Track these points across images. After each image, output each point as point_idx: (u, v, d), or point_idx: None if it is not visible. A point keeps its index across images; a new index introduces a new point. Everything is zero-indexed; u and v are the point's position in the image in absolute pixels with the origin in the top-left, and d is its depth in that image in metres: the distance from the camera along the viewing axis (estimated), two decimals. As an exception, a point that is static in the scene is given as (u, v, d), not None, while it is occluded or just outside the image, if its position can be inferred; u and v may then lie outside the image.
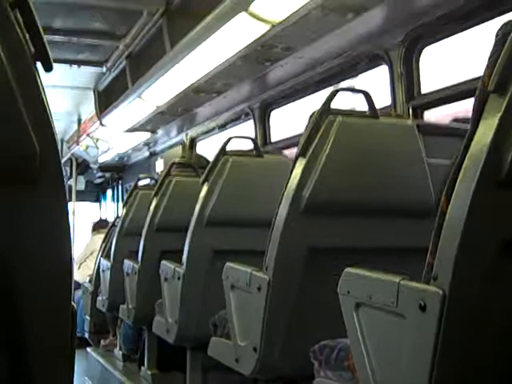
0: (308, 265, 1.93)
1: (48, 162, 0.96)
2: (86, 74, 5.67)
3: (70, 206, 7.74)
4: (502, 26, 1.22)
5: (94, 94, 6.17)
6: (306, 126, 1.95)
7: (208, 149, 5.76)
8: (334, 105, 1.95)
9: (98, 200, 10.30)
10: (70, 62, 5.26)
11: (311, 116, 1.94)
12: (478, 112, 1.22)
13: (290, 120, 4.72)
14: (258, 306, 1.93)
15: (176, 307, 2.71)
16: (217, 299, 2.24)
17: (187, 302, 2.67)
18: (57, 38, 4.59)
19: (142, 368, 3.55)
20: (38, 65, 0.98)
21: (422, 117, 3.29)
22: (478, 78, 2.64)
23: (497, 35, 1.24)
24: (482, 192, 1.18)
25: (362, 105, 2.05)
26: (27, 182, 0.95)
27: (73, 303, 1.05)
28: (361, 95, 2.03)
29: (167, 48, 4.32)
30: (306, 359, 1.67)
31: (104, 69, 5.54)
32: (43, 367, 1.00)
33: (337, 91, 1.94)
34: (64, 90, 5.93)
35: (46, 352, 1.01)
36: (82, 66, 5.42)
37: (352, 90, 2.04)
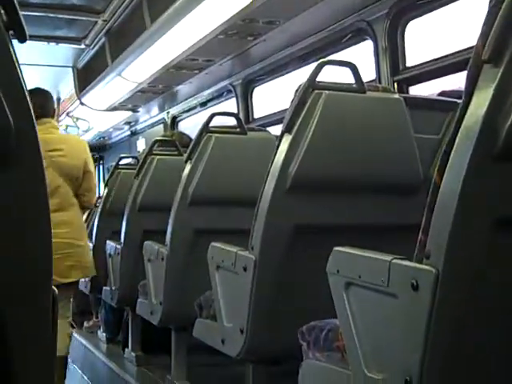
0: (295, 243, 1.89)
1: (24, 139, 0.92)
2: (64, 51, 5.53)
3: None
4: (495, -7, 1.17)
5: (73, 72, 6.04)
6: (292, 101, 1.89)
7: (190, 127, 5.69)
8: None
9: (79, 180, 10.19)
10: (48, 39, 5.13)
11: (297, 90, 1.88)
12: (472, 83, 1.18)
13: (273, 99, 4.66)
14: (244, 286, 1.89)
15: (160, 288, 2.67)
16: (202, 280, 2.20)
17: (171, 283, 2.63)
18: (33, 12, 4.47)
19: (126, 350, 3.52)
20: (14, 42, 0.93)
21: (407, 91, 3.25)
22: (465, 50, 2.59)
23: (490, 2, 1.19)
24: (476, 166, 1.14)
25: (347, 79, 2.00)
26: (2, 159, 0.90)
27: (53, 287, 1.01)
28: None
29: (147, 24, 4.22)
30: (293, 340, 1.63)
31: (83, 45, 5.41)
32: (24, 351, 0.98)
33: (323, 64, 1.88)
34: (42, 68, 5.80)
35: (26, 336, 0.98)
36: (60, 43, 5.29)
37: (338, 62, 1.98)
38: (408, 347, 1.23)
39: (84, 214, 3.80)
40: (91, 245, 3.95)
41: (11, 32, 0.93)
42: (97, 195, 3.87)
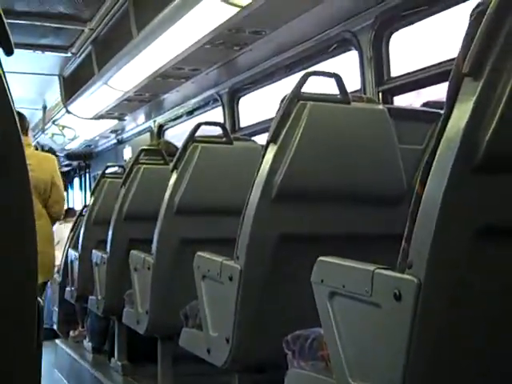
0: (280, 253, 1.90)
1: (9, 147, 0.92)
2: (50, 60, 5.53)
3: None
4: (476, 6, 1.19)
5: (60, 81, 6.04)
6: (277, 111, 1.90)
7: (177, 136, 5.69)
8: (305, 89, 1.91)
9: (65, 189, 10.14)
10: (34, 47, 5.12)
11: (282, 101, 1.90)
12: (453, 95, 1.19)
13: (259, 108, 4.68)
14: (229, 296, 1.90)
15: (146, 297, 2.66)
16: (188, 289, 2.20)
17: (158, 292, 2.63)
18: (19, 21, 4.46)
19: (112, 359, 3.50)
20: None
21: (392, 101, 3.28)
22: (450, 61, 2.62)
23: (471, 16, 1.21)
24: (457, 177, 1.16)
25: (331, 89, 2.02)
26: None
27: (39, 299, 1.01)
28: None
29: (134, 32, 4.23)
30: (278, 349, 1.64)
31: (69, 54, 5.41)
32: (9, 361, 0.97)
33: (308, 75, 1.90)
34: (28, 76, 5.79)
35: (11, 346, 0.97)
36: (46, 52, 5.28)
37: (323, 73, 1.99)
38: (391, 356, 1.25)
39: (53, 224, 4.10)
40: (77, 254, 3.94)
41: None
42: (65, 207, 4.19)
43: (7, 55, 0.95)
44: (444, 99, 1.23)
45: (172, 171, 2.62)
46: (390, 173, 2.01)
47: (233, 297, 1.88)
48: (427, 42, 3.25)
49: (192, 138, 2.59)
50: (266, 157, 1.91)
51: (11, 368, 0.97)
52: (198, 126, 2.63)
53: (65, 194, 4.31)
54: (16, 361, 0.98)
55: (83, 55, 5.40)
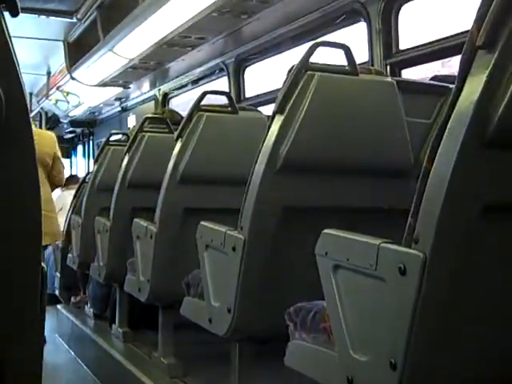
0: (284, 224, 1.89)
1: (14, 112, 0.91)
2: (55, 25, 5.47)
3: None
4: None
5: (64, 46, 5.98)
6: (284, 82, 1.88)
7: (182, 105, 5.66)
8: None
9: (68, 156, 10.12)
10: (39, 12, 5.06)
11: (289, 71, 1.87)
12: (465, 69, 1.17)
13: (264, 80, 4.64)
14: (232, 266, 1.89)
15: (148, 266, 2.66)
16: (190, 258, 2.20)
17: (160, 261, 2.63)
18: (24, -15, 4.40)
19: (113, 326, 3.53)
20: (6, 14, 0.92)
21: (399, 75, 3.24)
22: (460, 35, 2.58)
23: (486, -13, 1.18)
24: (467, 151, 1.14)
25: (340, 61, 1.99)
26: None
27: (43, 264, 1.01)
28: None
29: (140, -2, 4.18)
30: (280, 321, 1.64)
31: (74, 19, 5.34)
32: (13, 327, 0.97)
33: (317, 45, 1.87)
34: (32, 41, 5.73)
35: (15, 311, 0.97)
36: (51, 16, 5.22)
37: (332, 44, 1.96)
38: (394, 330, 1.24)
39: (53, 190, 4.66)
40: (80, 220, 3.94)
41: (3, 5, 0.92)
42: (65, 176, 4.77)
43: (13, 16, 0.94)
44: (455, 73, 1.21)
45: (176, 140, 2.61)
46: (396, 146, 1.99)
47: (236, 267, 1.88)
48: (437, 16, 3.21)
49: (197, 107, 2.57)
50: (271, 127, 1.89)
51: (15, 332, 0.97)
52: (204, 94, 2.61)
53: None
54: (20, 325, 0.98)
55: (88, 21, 5.34)
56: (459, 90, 1.17)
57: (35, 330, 1.00)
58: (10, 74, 0.91)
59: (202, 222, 2.14)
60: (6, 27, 0.91)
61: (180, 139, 2.59)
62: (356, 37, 3.46)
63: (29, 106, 0.99)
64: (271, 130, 1.88)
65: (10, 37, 0.92)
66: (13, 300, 0.97)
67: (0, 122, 0.89)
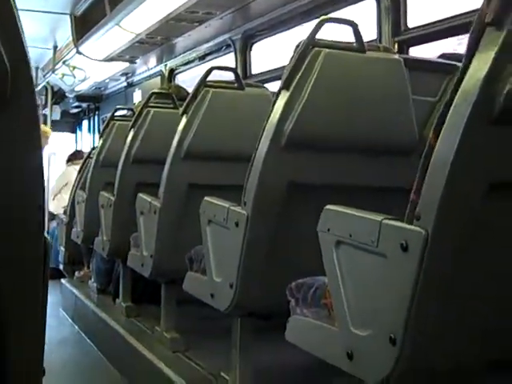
0: (287, 201, 1.89)
1: (20, 84, 0.90)
2: (61, -2, 5.44)
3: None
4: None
5: (71, 20, 5.94)
6: (291, 58, 1.86)
7: (188, 81, 5.63)
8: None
9: (73, 131, 10.12)
10: (45, -15, 5.03)
11: (296, 47, 1.86)
12: (473, 46, 1.16)
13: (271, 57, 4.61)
14: (235, 241, 1.90)
15: (152, 241, 2.67)
16: (193, 234, 2.21)
17: (163, 236, 2.64)
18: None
19: (117, 300, 3.55)
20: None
21: (407, 52, 3.22)
22: (468, 13, 2.55)
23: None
24: (472, 129, 1.13)
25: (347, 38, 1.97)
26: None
27: (46, 235, 1.01)
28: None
29: (147, -28, 4.14)
30: (282, 296, 1.65)
31: (80, -8, 5.31)
32: (16, 300, 0.97)
33: (324, 21, 1.85)
34: (39, 14, 5.68)
35: (18, 284, 0.97)
36: (58, -11, 5.19)
37: (339, 20, 1.94)
38: (394, 306, 1.25)
39: None
40: (84, 195, 3.95)
41: None
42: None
43: None
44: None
45: (182, 115, 2.60)
46: (401, 124, 1.98)
47: (238, 243, 1.88)
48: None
49: (204, 83, 2.55)
50: (277, 103, 1.88)
51: (18, 305, 0.98)
52: (211, 70, 2.59)
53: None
54: (22, 298, 0.98)
55: (95, -6, 5.31)
56: (466, 67, 1.16)
57: (38, 303, 1.00)
58: (16, 44, 0.91)
59: (206, 198, 2.14)
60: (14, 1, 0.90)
61: (185, 115, 2.58)
62: (364, 14, 3.42)
63: (35, 80, 0.98)
64: (276, 106, 1.87)
65: (16, 8, 0.91)
66: (16, 272, 0.97)
67: (5, 92, 0.89)
